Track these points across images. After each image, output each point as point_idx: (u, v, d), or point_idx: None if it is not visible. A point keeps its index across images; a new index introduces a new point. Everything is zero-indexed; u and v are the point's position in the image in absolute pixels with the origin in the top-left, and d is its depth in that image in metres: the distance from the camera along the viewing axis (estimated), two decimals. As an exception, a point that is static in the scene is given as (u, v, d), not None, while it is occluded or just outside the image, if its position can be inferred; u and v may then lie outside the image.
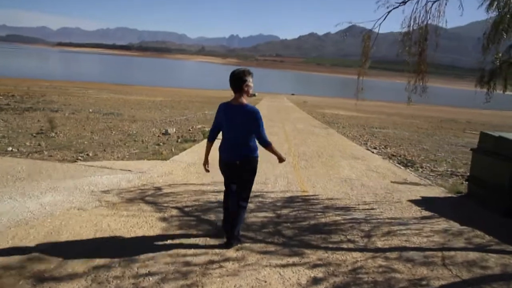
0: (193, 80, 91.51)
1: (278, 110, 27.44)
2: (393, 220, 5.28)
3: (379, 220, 5.25)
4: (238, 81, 3.88)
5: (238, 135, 3.95)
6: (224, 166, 4.18)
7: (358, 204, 5.94)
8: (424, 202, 6.28)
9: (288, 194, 6.22)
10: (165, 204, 5.38)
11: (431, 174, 10.06)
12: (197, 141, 11.80)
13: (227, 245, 4.05)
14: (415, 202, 6.26)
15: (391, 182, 7.83)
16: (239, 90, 3.90)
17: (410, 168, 10.40)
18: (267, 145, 3.97)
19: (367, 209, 5.70)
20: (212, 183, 6.46)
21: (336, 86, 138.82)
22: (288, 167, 8.31)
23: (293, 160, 9.40)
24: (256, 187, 5.07)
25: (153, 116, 19.55)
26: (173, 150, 10.17)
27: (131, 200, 5.43)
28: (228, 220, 4.08)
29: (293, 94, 62.60)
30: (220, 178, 4.48)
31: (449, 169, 11.12)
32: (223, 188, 4.36)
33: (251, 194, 4.38)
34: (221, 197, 4.59)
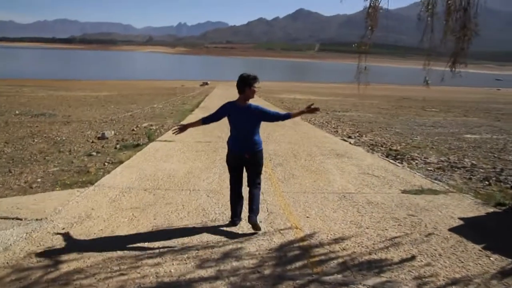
0: (142, 71, 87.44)
1: (233, 97, 25.14)
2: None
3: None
4: (243, 84, 4.27)
5: (246, 131, 4.30)
6: (233, 158, 4.46)
7: (386, 247, 3.81)
8: (473, 230, 4.31)
9: (276, 241, 3.96)
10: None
11: (429, 169, 8.42)
12: (140, 147, 9.34)
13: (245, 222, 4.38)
14: (461, 232, 4.22)
15: (402, 192, 5.87)
16: (243, 93, 4.29)
17: (403, 163, 8.69)
18: (289, 117, 4.46)
19: (404, 259, 3.55)
20: (152, 231, 4.18)
21: (288, 70, 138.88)
22: (262, 180, 6.21)
23: (266, 166, 7.25)
24: (223, 231, 4.31)
25: (93, 115, 16.83)
26: (105, 164, 7.69)
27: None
28: (236, 214, 4.52)
29: None
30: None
31: (441, 159, 9.66)
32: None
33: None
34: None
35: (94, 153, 9.16)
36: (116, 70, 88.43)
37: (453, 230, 4.30)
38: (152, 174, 6.48)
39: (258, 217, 4.33)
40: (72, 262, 3.36)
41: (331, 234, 4.14)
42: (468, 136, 13.71)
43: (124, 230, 4.12)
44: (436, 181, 6.68)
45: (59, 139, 11.26)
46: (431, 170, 8.28)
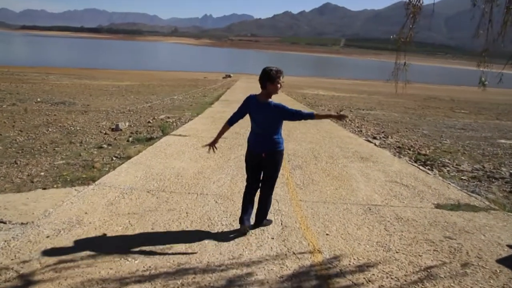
0: (165, 62, 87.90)
1: (256, 91, 24.55)
2: None
3: None
4: (266, 79, 3.90)
5: (264, 129, 3.99)
6: (250, 156, 4.15)
7: (420, 280, 3.12)
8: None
9: (289, 266, 3.32)
10: None
11: (463, 178, 7.67)
12: (152, 141, 8.89)
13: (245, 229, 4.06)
14: None
15: (435, 206, 5.17)
16: (265, 88, 3.95)
17: (434, 170, 7.97)
18: (312, 117, 4.00)
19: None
20: (147, 245, 3.63)
21: (312, 65, 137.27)
22: (279, 185, 5.63)
23: (283, 168, 6.66)
24: (227, 249, 3.69)
25: (111, 104, 16.60)
26: (113, 159, 7.24)
27: None
28: (247, 212, 4.12)
29: None
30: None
31: (475, 167, 8.88)
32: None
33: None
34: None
35: (105, 146, 8.78)
36: (141, 60, 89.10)
37: (502, 262, 3.58)
38: (159, 172, 5.98)
39: (269, 231, 3.78)
40: (44, 284, 2.85)
41: (354, 259, 3.51)
42: (503, 141, 12.78)
43: (115, 243, 3.60)
44: (473, 195, 5.94)
45: (73, 129, 10.99)
46: (465, 179, 7.53)
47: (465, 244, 3.96)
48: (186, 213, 4.40)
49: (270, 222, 4.33)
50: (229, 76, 43.94)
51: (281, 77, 3.91)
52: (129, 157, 7.21)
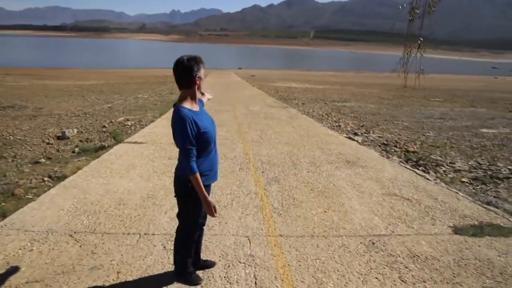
0: (133, 59, 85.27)
1: (226, 87, 23.46)
2: None
3: None
4: (186, 74, 2.56)
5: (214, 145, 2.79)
6: (208, 191, 2.75)
7: None
8: None
9: None
10: None
11: (464, 180, 6.72)
12: (103, 150, 7.46)
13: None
14: None
15: (453, 230, 3.99)
16: (189, 87, 2.61)
17: (430, 172, 6.95)
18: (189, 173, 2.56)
19: None
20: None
21: (283, 58, 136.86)
22: (251, 210, 4.32)
23: (256, 183, 5.36)
24: None
25: (67, 107, 15.05)
26: (44, 180, 5.77)
27: None
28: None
29: (240, 68, 60.37)
30: None
31: (471, 164, 8.00)
32: None
33: None
34: None
35: (43, 160, 7.30)
36: (108, 58, 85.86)
37: None
38: (95, 201, 4.55)
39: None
40: None
41: None
42: (485, 130, 12.07)
43: None
44: (490, 208, 4.80)
45: (11, 138, 9.48)
46: (467, 183, 6.51)
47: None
48: (118, 273, 3.01)
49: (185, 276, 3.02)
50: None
51: (200, 69, 2.63)
52: (64, 177, 5.75)
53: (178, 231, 2.90)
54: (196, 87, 2.61)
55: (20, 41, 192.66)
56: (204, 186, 2.57)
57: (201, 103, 2.84)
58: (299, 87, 27.16)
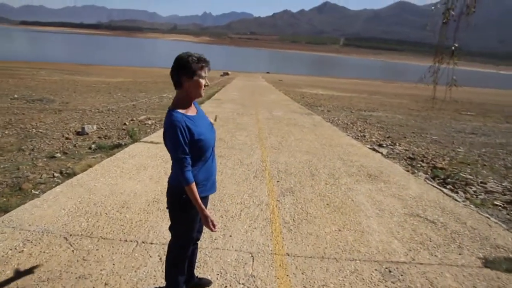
0: (163, 59, 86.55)
1: (252, 90, 23.24)
2: None
3: None
4: (181, 72, 2.28)
5: (213, 152, 2.55)
6: (204, 203, 2.50)
7: None
8: None
9: None
10: None
11: (496, 203, 6.17)
12: (118, 149, 7.35)
13: None
14: None
15: (483, 263, 3.51)
16: (180, 87, 2.31)
17: (459, 192, 6.46)
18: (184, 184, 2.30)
19: None
20: None
21: (312, 64, 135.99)
22: (259, 223, 4.03)
23: (269, 193, 5.06)
24: None
25: (93, 103, 15.20)
26: (54, 175, 5.66)
27: None
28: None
29: (268, 73, 59.81)
30: None
31: (504, 185, 7.49)
32: None
33: None
34: None
35: (59, 155, 7.24)
36: (139, 57, 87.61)
37: None
38: (98, 201, 4.37)
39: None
40: None
41: None
42: (522, 149, 11.32)
43: None
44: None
45: (34, 131, 9.55)
46: (500, 206, 5.97)
47: None
48: (105, 284, 2.77)
49: None
50: (227, 74, 42.75)
51: (205, 70, 2.34)
52: (74, 174, 5.62)
53: (171, 245, 2.64)
54: (194, 88, 2.31)
55: (58, 38, 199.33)
56: (200, 198, 2.30)
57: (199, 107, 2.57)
58: (326, 94, 26.73)
